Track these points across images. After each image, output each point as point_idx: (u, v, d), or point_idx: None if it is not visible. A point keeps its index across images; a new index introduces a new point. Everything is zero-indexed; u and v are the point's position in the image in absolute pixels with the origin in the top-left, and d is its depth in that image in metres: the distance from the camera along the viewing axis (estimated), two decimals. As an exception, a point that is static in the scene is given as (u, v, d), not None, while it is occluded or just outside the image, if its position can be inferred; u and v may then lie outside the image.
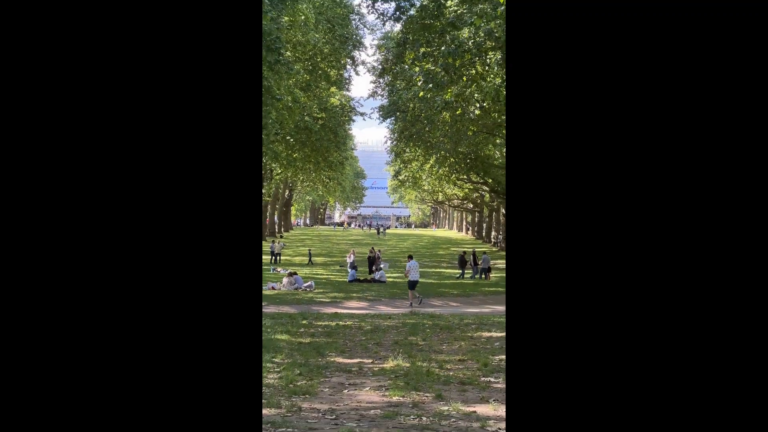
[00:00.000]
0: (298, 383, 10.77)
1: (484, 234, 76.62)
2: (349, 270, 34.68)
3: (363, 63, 42.01)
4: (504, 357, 12.82)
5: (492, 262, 40.35)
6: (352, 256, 41.85)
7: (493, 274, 37.81)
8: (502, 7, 21.19)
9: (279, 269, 39.05)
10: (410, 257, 30.17)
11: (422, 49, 25.19)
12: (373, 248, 40.98)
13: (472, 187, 63.16)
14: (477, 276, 37.99)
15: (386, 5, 26.04)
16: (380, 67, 39.96)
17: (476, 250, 43.93)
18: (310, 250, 54.27)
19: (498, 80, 27.11)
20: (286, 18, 26.92)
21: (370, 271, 37.23)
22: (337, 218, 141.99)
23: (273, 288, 30.94)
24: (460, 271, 38.85)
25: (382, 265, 36.12)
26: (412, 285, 26.16)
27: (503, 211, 62.58)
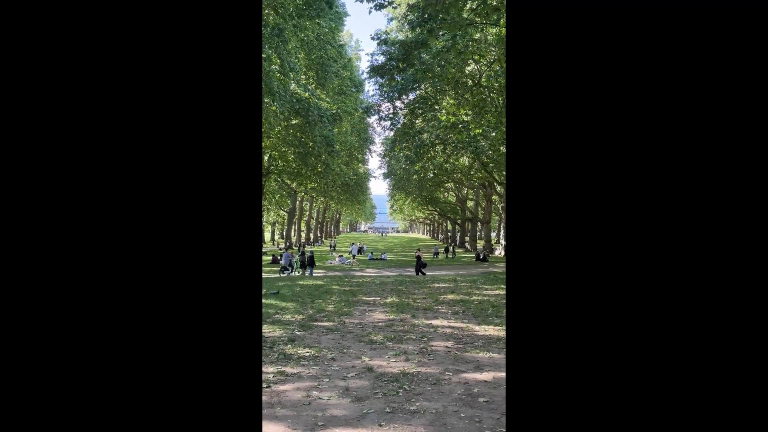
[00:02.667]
0: (343, 309, 10.68)
1: (434, 236, 77.64)
2: (353, 253, 34.52)
3: (374, 151, 43.20)
4: (446, 296, 12.79)
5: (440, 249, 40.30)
6: (356, 245, 42.97)
7: (440, 257, 37.21)
8: (442, 123, 21.33)
9: (334, 253, 38.69)
10: (353, 243, 35.04)
11: (404, 144, 25.26)
12: (362, 244, 40.98)
13: (428, 212, 63.16)
14: (434, 256, 36.93)
15: (385, 123, 26.23)
16: (383, 152, 40.41)
17: (437, 244, 43.75)
18: (334, 242, 54.28)
19: (441, 160, 27.39)
20: (336, 129, 27.02)
21: (359, 253, 37.40)
22: (362, 228, 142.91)
23: (330, 263, 30.50)
24: (433, 254, 37.54)
25: (382, 255, 35.26)
26: (356, 253, 29.94)
27: (443, 224, 63.52)
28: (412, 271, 23.42)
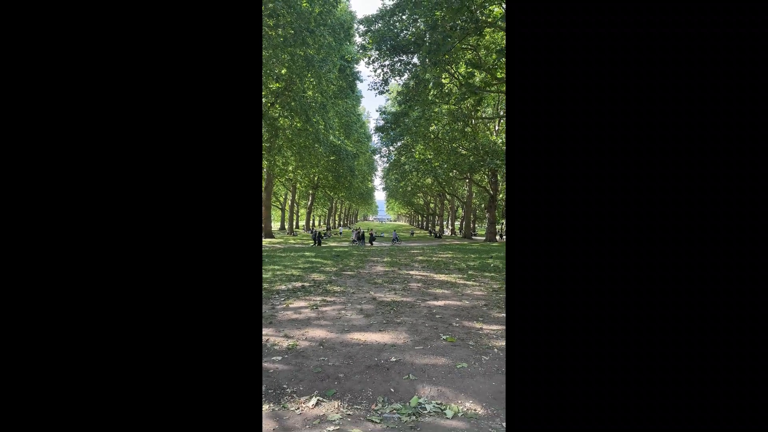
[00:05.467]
0: (359, 265, 10.47)
1: (411, 223, 76.76)
2: (366, 235, 33.24)
3: (377, 175, 43.10)
4: (417, 257, 12.46)
5: (415, 233, 39.78)
6: (361, 229, 41.10)
7: (415, 236, 36.81)
8: (416, 160, 21.24)
9: (353, 234, 37.88)
10: (345, 226, 32.03)
11: (394, 171, 25.17)
12: (368, 228, 40.20)
13: (408, 210, 62.52)
14: (410, 235, 36.32)
15: (383, 159, 26.13)
16: (382, 176, 40.09)
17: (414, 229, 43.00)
18: (355, 228, 50.11)
19: (415, 180, 27.17)
20: (356, 162, 26.84)
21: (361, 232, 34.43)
22: (370, 219, 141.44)
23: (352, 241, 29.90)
24: (410, 233, 36.27)
25: (383, 234, 34.28)
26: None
27: (417, 217, 62.51)
28: (399, 243, 23.21)
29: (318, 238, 20.97)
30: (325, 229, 40.32)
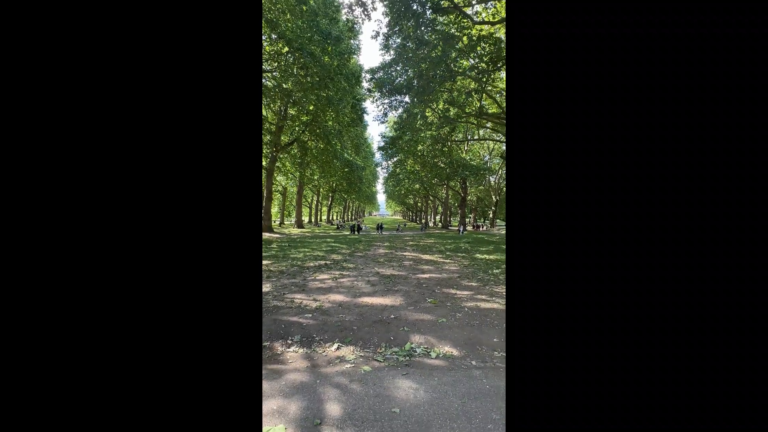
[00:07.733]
0: (367, 248, 10.26)
1: (404, 217, 75.43)
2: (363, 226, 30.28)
3: (379, 181, 42.04)
4: (409, 243, 12.26)
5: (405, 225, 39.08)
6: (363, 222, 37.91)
7: (407, 226, 36.23)
8: (408, 171, 21.07)
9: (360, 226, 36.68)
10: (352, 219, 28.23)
11: (391, 179, 24.94)
12: (378, 223, 39.08)
13: (402, 208, 62.07)
14: (404, 225, 35.67)
15: (384, 170, 25.81)
16: (383, 182, 39.56)
17: (407, 221, 41.99)
18: (361, 220, 45.53)
19: (406, 186, 26.86)
20: (363, 173, 26.50)
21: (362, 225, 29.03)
22: (374, 214, 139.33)
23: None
24: (403, 224, 34.68)
25: (382, 225, 33.14)
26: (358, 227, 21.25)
27: (409, 213, 60.44)
28: (396, 233, 22.92)
29: (358, 228, 20.04)
30: (339, 221, 39.52)
